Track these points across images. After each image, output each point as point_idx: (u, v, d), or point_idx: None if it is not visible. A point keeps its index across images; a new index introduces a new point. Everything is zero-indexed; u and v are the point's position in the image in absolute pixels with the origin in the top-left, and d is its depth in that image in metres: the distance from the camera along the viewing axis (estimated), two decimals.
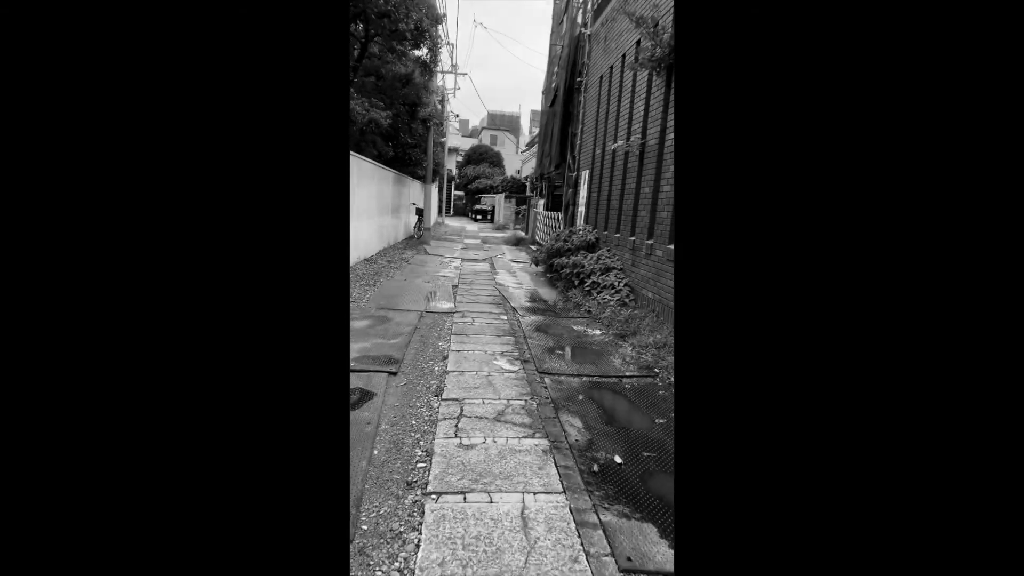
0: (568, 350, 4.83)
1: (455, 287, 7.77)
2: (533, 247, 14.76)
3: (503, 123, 45.49)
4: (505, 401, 3.44)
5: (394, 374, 3.87)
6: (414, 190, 16.21)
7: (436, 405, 3.33)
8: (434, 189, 22.35)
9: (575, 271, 7.62)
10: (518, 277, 9.23)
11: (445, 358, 4.31)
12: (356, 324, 5.19)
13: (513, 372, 4.03)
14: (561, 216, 12.46)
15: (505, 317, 5.94)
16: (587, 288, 7.09)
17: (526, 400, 3.48)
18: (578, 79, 10.82)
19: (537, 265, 10.01)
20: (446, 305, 6.41)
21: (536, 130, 36.40)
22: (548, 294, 7.61)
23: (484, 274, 9.39)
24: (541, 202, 15.90)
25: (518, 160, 39.51)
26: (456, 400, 3.41)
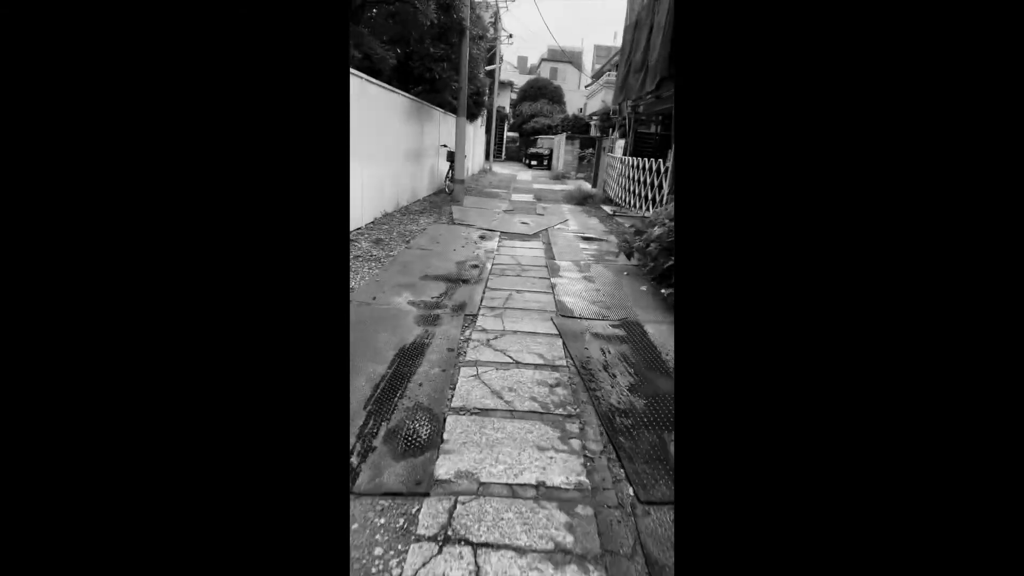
0: None
1: (470, 319, 3.56)
2: (608, 208, 10.16)
3: (564, 59, 39.07)
4: None
5: None
6: (445, 127, 11.78)
7: None
8: (477, 128, 17.68)
9: None
10: (596, 283, 4.88)
11: None
12: None
13: None
14: (666, 168, 7.77)
15: (595, 538, 1.69)
16: None
17: None
18: None
19: (630, 258, 5.57)
20: (417, 438, 2.23)
21: (598, 67, 30.18)
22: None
23: (533, 272, 5.09)
24: (620, 144, 11.09)
25: (581, 97, 33.61)
26: None
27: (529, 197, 12.30)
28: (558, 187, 15.49)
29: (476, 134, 17.80)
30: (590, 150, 17.92)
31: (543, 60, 38.56)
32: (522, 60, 45.52)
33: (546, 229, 7.76)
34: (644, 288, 4.71)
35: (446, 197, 10.81)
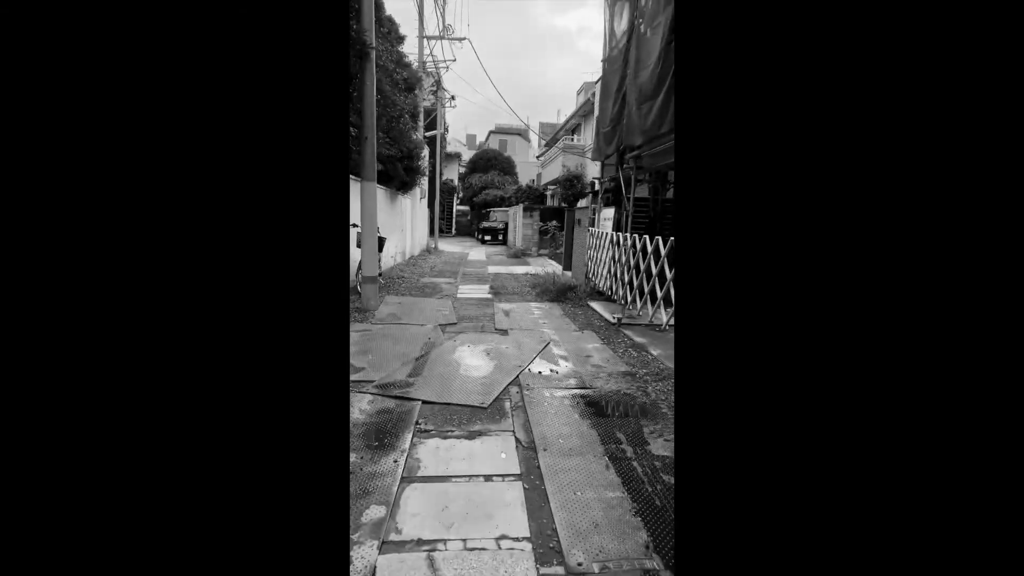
0: None
1: None
2: (602, 310, 6.46)
3: (514, 131, 37.61)
4: None
5: None
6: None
7: None
8: (417, 202, 14.21)
9: None
10: None
11: None
12: None
13: None
14: None
15: None
16: None
17: None
18: None
19: None
20: None
21: (544, 141, 27.92)
22: None
23: None
24: (608, 215, 7.68)
25: (533, 167, 31.47)
26: None
27: (483, 290, 8.56)
28: (520, 270, 11.92)
29: (416, 208, 14.30)
30: (554, 223, 14.77)
31: (491, 133, 36.86)
32: (471, 137, 43.87)
33: (516, 375, 3.91)
34: None
35: (353, 303, 6.86)
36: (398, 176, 10.82)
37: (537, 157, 31.76)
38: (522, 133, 38.17)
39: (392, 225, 11.40)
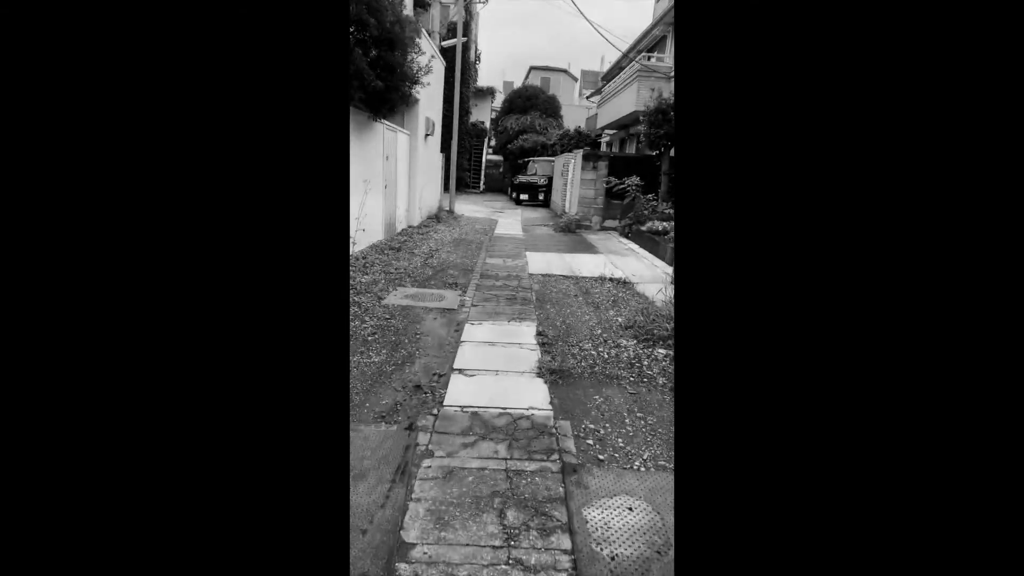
0: None
1: None
2: None
3: (557, 67, 30.64)
4: None
5: None
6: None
7: None
8: (408, 139, 8.38)
9: None
10: None
11: None
12: None
13: None
14: None
15: None
16: None
17: None
18: None
19: None
20: None
21: (589, 92, 20.58)
22: None
23: None
24: None
25: (581, 112, 25.03)
26: None
27: (525, 366, 3.11)
28: (586, 265, 6.34)
29: (417, 152, 8.72)
30: (635, 178, 9.04)
31: (532, 69, 30.10)
32: (507, 84, 36.70)
33: None
34: None
35: None
36: (368, 82, 5.29)
37: (588, 97, 25.14)
38: (567, 71, 31.20)
39: (357, 174, 6.00)
